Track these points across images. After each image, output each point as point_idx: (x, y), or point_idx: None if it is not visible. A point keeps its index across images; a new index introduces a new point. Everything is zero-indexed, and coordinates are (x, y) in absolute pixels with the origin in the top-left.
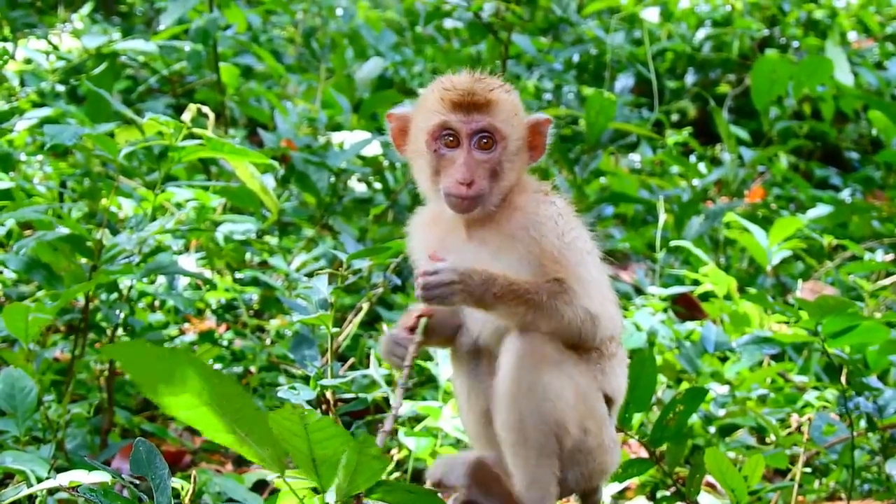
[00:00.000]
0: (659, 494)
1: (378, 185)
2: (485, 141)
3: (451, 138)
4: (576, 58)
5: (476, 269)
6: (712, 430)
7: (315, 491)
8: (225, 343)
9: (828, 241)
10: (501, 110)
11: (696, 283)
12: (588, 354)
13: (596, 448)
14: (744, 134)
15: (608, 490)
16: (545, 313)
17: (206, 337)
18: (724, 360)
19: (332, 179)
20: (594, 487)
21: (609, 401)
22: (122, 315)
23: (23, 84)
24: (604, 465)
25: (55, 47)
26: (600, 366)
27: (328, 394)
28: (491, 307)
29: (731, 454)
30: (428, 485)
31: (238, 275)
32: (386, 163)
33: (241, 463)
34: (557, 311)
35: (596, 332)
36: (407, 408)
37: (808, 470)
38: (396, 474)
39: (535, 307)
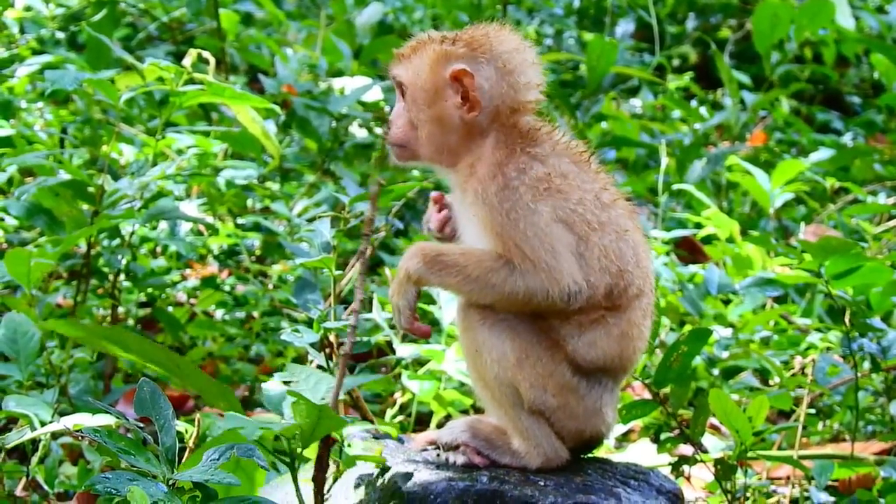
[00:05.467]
0: (663, 436)
1: (379, 131)
2: (401, 91)
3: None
4: (576, 3)
5: (418, 245)
6: (716, 372)
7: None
8: (227, 288)
9: (830, 183)
10: (413, 61)
11: (698, 226)
12: (563, 319)
13: (558, 409)
14: (745, 78)
15: (612, 432)
16: (479, 288)
17: (209, 282)
18: (727, 302)
19: (334, 125)
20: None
21: (595, 368)
22: (124, 260)
23: (22, 31)
24: (572, 430)
25: None
26: (573, 333)
27: (331, 336)
28: (424, 280)
29: (735, 396)
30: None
31: (240, 220)
32: (387, 108)
33: (245, 407)
34: (494, 287)
35: (554, 302)
36: (410, 351)
37: (812, 411)
38: (400, 418)
39: (469, 282)
